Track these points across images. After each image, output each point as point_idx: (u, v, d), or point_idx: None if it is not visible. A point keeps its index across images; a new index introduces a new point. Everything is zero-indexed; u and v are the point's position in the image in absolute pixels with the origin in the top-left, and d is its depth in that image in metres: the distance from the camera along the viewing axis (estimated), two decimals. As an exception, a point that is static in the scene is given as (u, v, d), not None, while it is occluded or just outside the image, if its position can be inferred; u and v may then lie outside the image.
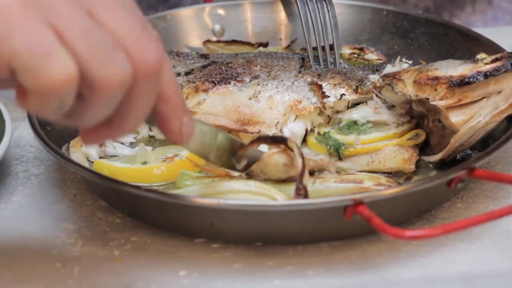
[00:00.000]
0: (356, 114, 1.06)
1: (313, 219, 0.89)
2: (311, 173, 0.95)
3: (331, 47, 1.17)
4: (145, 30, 0.71)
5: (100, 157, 1.05)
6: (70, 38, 0.67)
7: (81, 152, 1.04)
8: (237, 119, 1.05)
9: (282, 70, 1.11)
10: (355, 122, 1.05)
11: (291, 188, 0.91)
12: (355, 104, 1.07)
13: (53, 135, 1.01)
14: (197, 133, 0.86)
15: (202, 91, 1.08)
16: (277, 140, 0.94)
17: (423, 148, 1.05)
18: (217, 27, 1.30)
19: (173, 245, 0.91)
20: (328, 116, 1.07)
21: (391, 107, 1.05)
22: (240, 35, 1.29)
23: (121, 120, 0.73)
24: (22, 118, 1.16)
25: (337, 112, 1.07)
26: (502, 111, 0.97)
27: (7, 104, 1.11)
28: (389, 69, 1.08)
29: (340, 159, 1.02)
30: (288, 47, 1.28)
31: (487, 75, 0.97)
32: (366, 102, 1.06)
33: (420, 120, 1.05)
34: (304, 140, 1.06)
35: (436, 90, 0.98)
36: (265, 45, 1.26)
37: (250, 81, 1.09)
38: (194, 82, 1.09)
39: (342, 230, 0.90)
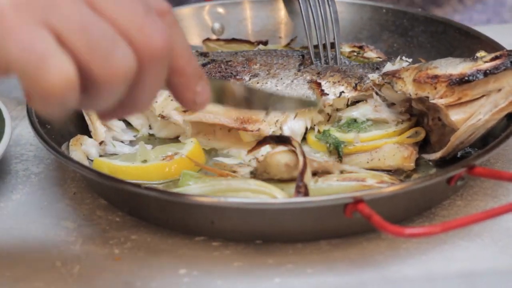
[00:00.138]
0: (356, 112, 1.06)
1: (313, 217, 0.89)
2: (315, 174, 0.95)
3: (332, 45, 1.16)
4: (148, 14, 0.69)
5: (100, 156, 1.05)
6: (68, 36, 0.66)
7: (81, 150, 1.04)
8: (237, 117, 1.04)
9: (282, 68, 1.11)
10: (355, 120, 1.05)
11: (293, 187, 0.91)
12: (355, 102, 1.07)
13: (53, 133, 1.01)
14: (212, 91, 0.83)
15: (202, 89, 1.08)
16: (280, 140, 0.94)
17: (423, 146, 1.05)
18: (216, 26, 1.30)
19: (173, 243, 0.91)
20: (328, 114, 1.07)
21: (391, 105, 1.06)
22: (240, 34, 1.29)
23: (133, 101, 0.71)
24: (22, 117, 1.16)
25: (337, 110, 1.07)
26: (502, 109, 0.97)
27: (7, 103, 1.11)
28: (389, 67, 1.08)
29: (339, 157, 1.02)
30: (287, 45, 1.27)
31: (486, 73, 0.97)
32: (366, 100, 1.06)
33: (420, 118, 1.05)
34: (304, 138, 1.06)
35: (435, 88, 0.98)
36: (265, 43, 1.26)
37: (250, 79, 1.09)
38: (193, 81, 1.09)
39: (342, 228, 0.90)
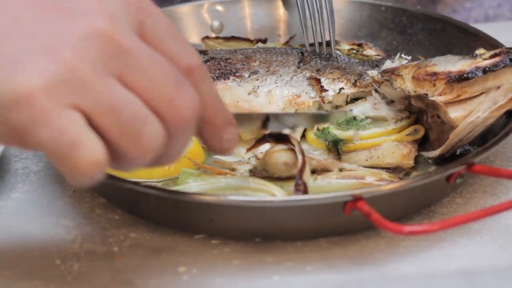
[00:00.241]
0: (355, 109, 1.06)
1: (312, 215, 0.89)
2: (314, 172, 0.95)
3: (328, 43, 1.17)
4: (178, 84, 0.70)
5: (99, 154, 1.05)
6: (99, 118, 0.66)
7: (80, 148, 1.03)
8: (236, 115, 1.04)
9: (281, 65, 1.11)
10: (354, 118, 1.05)
11: (292, 185, 0.91)
12: (354, 100, 1.07)
13: (52, 132, 1.01)
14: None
15: (201, 87, 1.08)
16: (279, 138, 0.94)
17: (422, 143, 1.05)
18: (216, 24, 1.30)
19: (173, 241, 0.91)
20: (327, 111, 1.07)
21: (390, 102, 1.05)
22: (239, 32, 1.29)
23: (161, 159, 0.72)
24: (21, 115, 1.16)
25: (336, 107, 1.07)
26: (501, 106, 0.97)
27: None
28: (388, 64, 1.08)
29: (339, 154, 1.02)
30: (286, 43, 1.27)
31: (485, 71, 0.97)
32: (365, 98, 1.07)
33: (419, 115, 1.05)
34: (304, 136, 1.06)
35: (434, 85, 0.98)
36: (264, 41, 1.26)
37: (249, 76, 1.09)
38: (193, 79, 1.09)
39: (341, 225, 0.90)
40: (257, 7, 1.32)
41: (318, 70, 1.09)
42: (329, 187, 0.94)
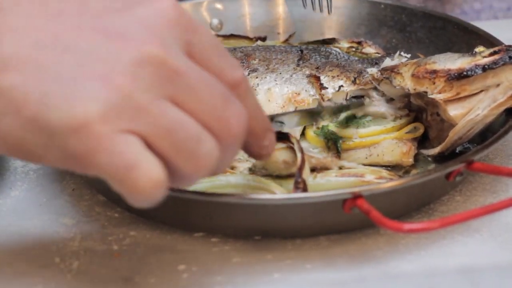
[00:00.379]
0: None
1: (311, 213, 0.89)
2: (313, 170, 0.95)
3: (328, 42, 1.17)
4: (225, 101, 0.71)
5: (99, 152, 1.05)
6: (155, 141, 0.68)
7: (79, 147, 1.03)
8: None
9: (281, 63, 1.11)
10: (353, 116, 1.05)
11: (292, 183, 0.91)
12: (354, 98, 1.07)
13: (51, 130, 1.01)
14: None
15: (201, 85, 1.08)
16: (278, 137, 0.94)
17: (422, 141, 1.05)
18: (215, 22, 1.30)
19: (172, 239, 0.91)
20: (327, 109, 1.07)
21: (389, 100, 1.05)
22: (238, 30, 1.29)
23: (212, 173, 0.74)
24: (20, 113, 1.16)
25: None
26: (501, 104, 0.97)
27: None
28: (387, 62, 1.08)
29: (338, 152, 1.02)
30: (286, 41, 1.27)
31: (485, 68, 0.97)
32: (364, 96, 1.06)
33: (419, 113, 1.05)
34: (303, 134, 1.06)
35: (434, 83, 0.98)
36: (263, 39, 1.26)
37: (249, 74, 1.09)
38: (192, 77, 1.09)
39: (341, 223, 0.90)
40: (256, 5, 1.32)
41: (317, 68, 1.09)
42: (328, 185, 0.94)
